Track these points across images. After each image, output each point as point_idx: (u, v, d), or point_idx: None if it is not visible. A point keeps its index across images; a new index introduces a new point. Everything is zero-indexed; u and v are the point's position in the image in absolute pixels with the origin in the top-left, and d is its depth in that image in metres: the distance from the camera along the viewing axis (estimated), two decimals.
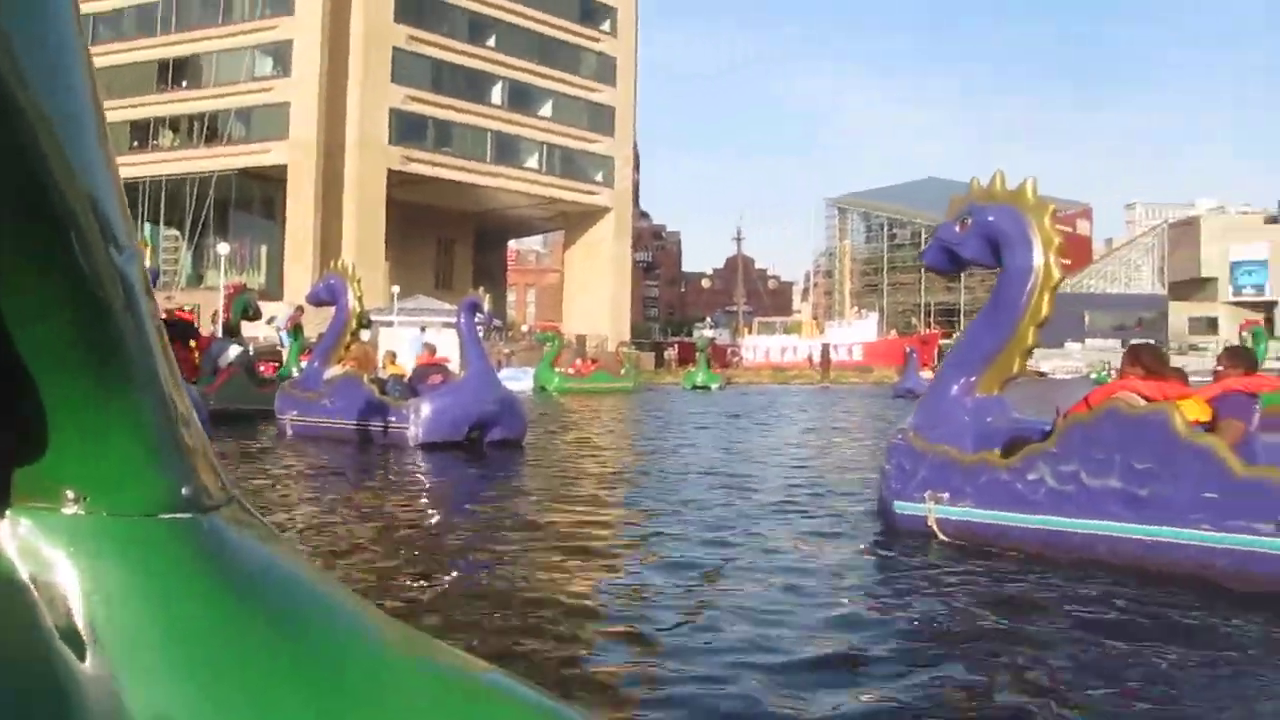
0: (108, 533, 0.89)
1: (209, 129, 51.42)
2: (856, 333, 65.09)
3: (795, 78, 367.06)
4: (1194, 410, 5.29)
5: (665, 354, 62.15)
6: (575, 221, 63.21)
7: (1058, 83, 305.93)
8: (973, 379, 6.22)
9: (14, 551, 0.88)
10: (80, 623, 0.87)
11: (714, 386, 37.97)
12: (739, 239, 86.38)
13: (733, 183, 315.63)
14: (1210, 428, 5.27)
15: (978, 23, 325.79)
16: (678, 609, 4.24)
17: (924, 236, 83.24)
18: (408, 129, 51.90)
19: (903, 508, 6.04)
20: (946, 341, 46.30)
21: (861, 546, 5.79)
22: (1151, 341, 6.13)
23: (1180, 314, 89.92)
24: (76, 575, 0.88)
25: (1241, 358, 5.99)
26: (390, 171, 50.93)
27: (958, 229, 6.17)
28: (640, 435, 15.24)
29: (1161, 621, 4.11)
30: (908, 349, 37.69)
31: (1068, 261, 6.16)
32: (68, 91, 0.80)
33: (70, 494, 0.89)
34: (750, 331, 71.38)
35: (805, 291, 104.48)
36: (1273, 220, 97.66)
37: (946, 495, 5.83)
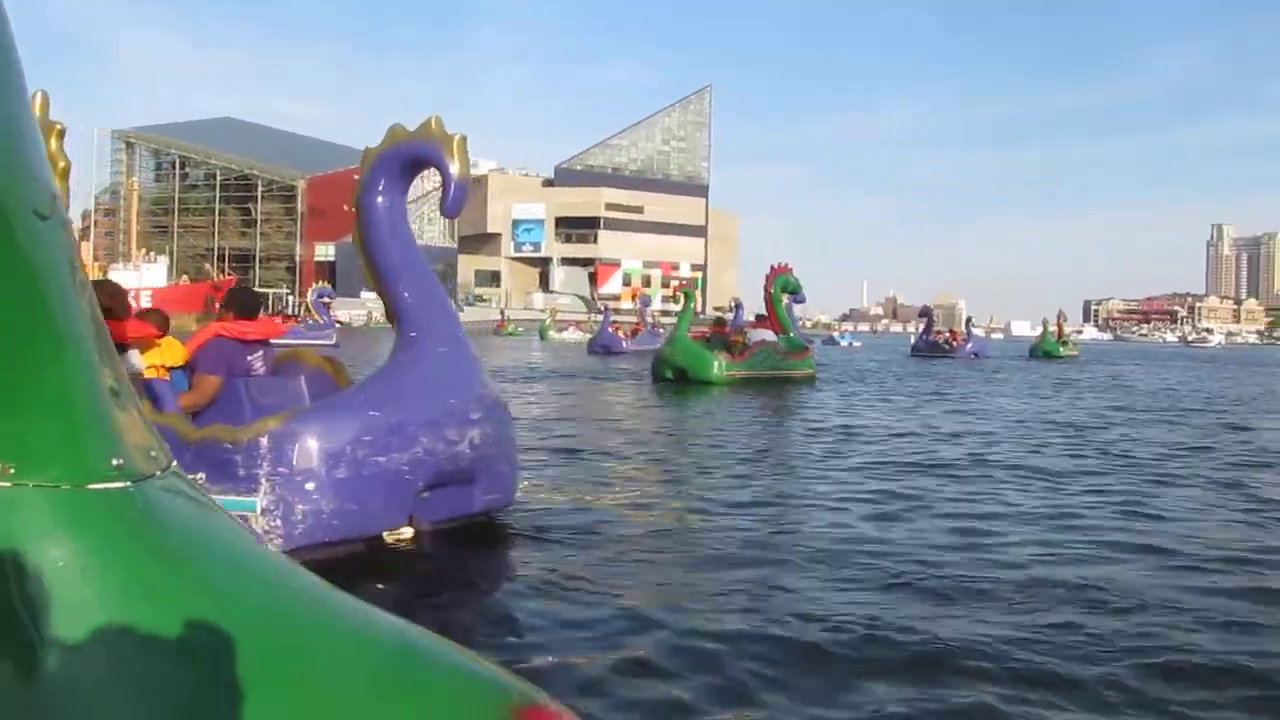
0: (36, 504, 0.86)
1: None
2: (145, 277, 60.77)
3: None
4: (171, 353, 4.78)
5: None
6: None
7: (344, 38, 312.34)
8: None
9: None
10: (9, 593, 0.84)
11: None
12: None
13: None
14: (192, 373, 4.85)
15: None
16: None
17: (219, 177, 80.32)
18: None
19: None
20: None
21: None
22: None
23: (468, 267, 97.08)
24: (4, 547, 0.85)
25: (236, 301, 5.14)
26: None
27: None
28: None
29: None
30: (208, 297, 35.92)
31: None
32: None
33: None
34: None
35: (85, 231, 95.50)
36: (549, 184, 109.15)
37: None
